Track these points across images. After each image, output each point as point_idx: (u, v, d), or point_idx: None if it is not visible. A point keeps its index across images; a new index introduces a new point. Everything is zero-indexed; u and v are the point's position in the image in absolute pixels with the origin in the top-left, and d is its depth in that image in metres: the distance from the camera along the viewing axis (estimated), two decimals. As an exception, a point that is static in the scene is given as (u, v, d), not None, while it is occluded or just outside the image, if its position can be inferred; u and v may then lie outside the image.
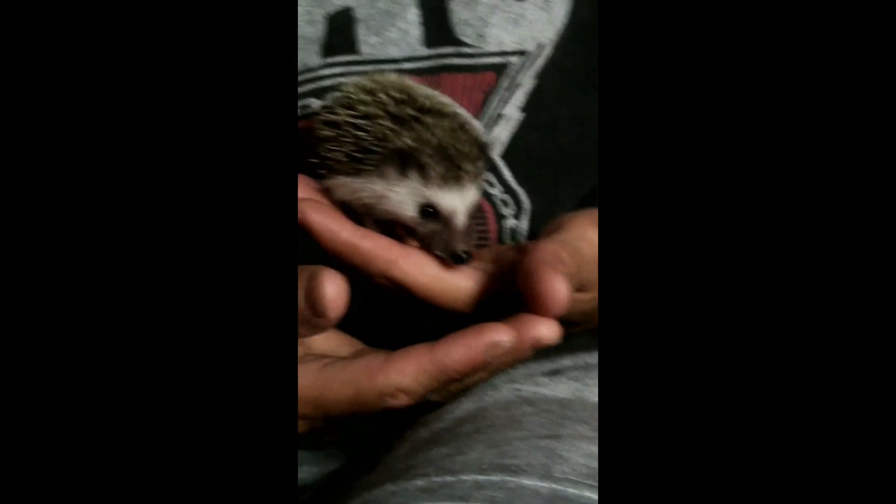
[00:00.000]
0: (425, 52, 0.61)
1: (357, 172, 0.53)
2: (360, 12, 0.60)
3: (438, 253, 0.51)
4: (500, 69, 0.63)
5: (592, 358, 0.62)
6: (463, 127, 0.53)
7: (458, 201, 0.52)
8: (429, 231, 0.52)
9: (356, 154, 0.52)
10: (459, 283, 0.50)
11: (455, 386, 0.48)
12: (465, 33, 0.61)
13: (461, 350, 0.44)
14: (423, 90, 0.55)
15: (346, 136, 0.53)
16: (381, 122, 0.52)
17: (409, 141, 0.51)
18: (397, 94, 0.53)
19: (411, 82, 0.55)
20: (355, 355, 0.50)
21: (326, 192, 0.54)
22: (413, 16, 0.60)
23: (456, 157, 0.51)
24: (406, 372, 0.45)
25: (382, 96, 0.53)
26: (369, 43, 0.60)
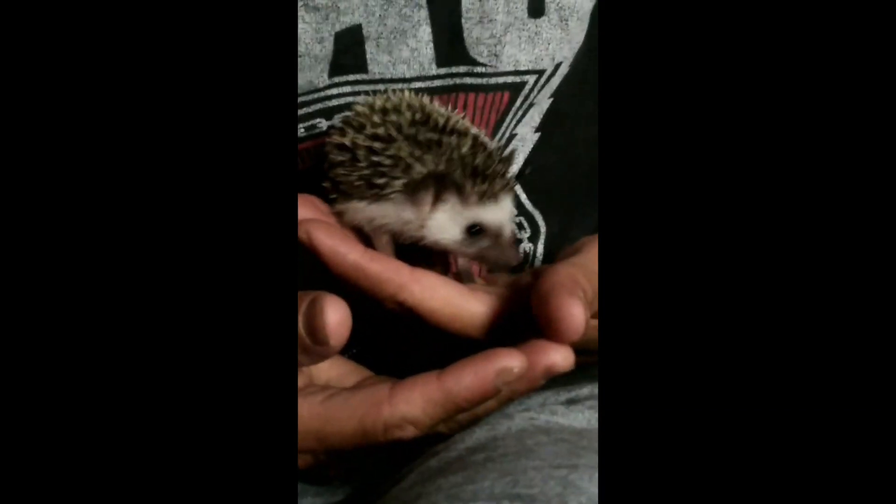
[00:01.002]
0: (437, 71, 0.60)
1: (376, 197, 0.51)
2: (370, 30, 0.58)
3: (493, 269, 0.52)
4: (514, 88, 0.61)
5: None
6: (481, 143, 0.52)
7: (500, 214, 0.52)
8: (477, 249, 0.52)
9: (375, 180, 0.51)
10: (472, 308, 0.48)
11: (465, 416, 0.46)
12: (478, 52, 0.60)
13: (470, 377, 0.42)
14: (436, 108, 0.54)
15: (359, 160, 0.51)
16: (398, 144, 0.51)
17: (431, 164, 0.50)
18: (411, 114, 0.52)
19: (424, 100, 0.54)
20: (360, 385, 0.49)
21: (338, 216, 0.53)
22: (425, 34, 0.59)
23: (487, 172, 0.51)
24: (413, 402, 0.43)
25: (394, 117, 0.52)
26: (379, 62, 0.59)
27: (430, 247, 0.53)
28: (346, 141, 0.52)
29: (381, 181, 0.51)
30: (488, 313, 0.48)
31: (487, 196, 0.51)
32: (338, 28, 0.58)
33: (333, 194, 0.53)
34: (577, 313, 0.42)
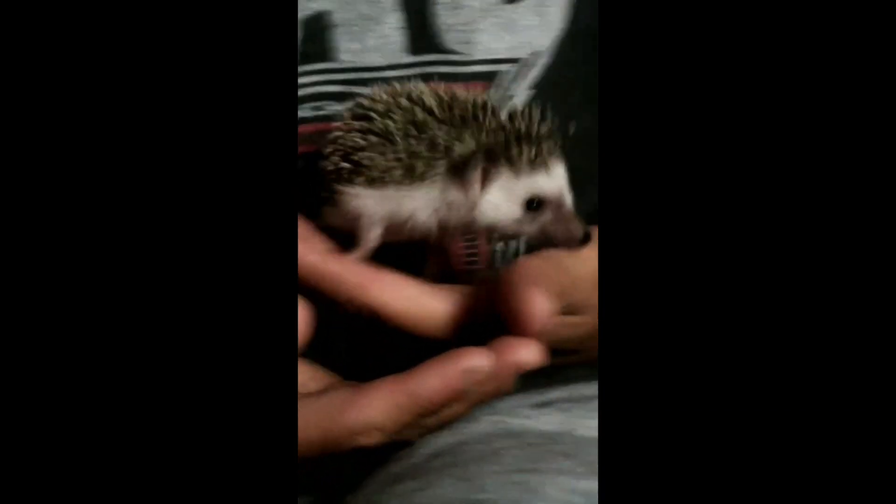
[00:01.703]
0: (409, 59, 0.58)
1: (416, 183, 0.48)
2: (338, 17, 0.56)
3: (561, 243, 0.48)
4: (490, 78, 0.58)
5: (588, 389, 0.57)
6: (516, 111, 0.49)
7: (556, 182, 0.49)
8: (539, 225, 0.48)
9: (415, 165, 0.48)
10: (437, 308, 0.46)
11: (432, 420, 0.44)
12: (451, 40, 0.57)
13: (435, 379, 0.41)
14: (458, 90, 0.51)
15: (396, 143, 0.48)
16: (433, 128, 0.48)
17: (472, 141, 0.48)
18: (438, 99, 0.49)
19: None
20: (325, 390, 0.46)
21: (344, 200, 0.50)
22: (395, 21, 0.57)
23: (531, 137, 0.48)
24: (377, 406, 0.41)
25: (424, 101, 0.49)
26: (348, 50, 0.56)
27: (483, 231, 0.50)
28: (377, 125, 0.49)
29: (421, 165, 0.48)
30: (454, 312, 0.46)
31: (539, 163, 0.48)
32: (304, 14, 0.56)
33: (359, 177, 0.49)
34: (539, 303, 0.40)
